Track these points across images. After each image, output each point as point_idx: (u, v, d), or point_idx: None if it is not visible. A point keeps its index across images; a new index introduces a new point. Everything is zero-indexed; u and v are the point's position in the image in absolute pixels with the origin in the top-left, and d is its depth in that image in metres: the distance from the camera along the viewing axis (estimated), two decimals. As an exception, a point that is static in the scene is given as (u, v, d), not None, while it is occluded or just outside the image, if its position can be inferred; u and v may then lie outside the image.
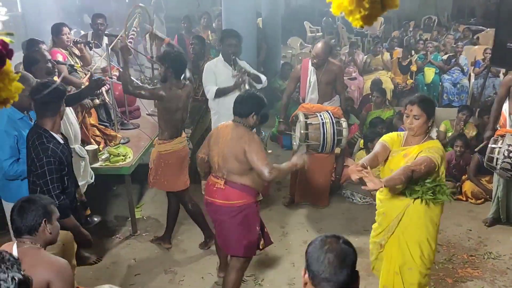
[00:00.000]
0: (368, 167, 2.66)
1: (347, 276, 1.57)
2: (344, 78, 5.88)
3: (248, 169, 3.13)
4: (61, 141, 3.04)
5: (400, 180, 2.74)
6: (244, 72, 4.55)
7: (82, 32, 6.24)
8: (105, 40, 5.30)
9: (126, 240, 4.44)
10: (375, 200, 4.96)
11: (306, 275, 1.62)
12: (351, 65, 8.18)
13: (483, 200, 5.10)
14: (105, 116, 4.97)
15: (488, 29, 10.32)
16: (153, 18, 10.24)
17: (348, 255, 1.60)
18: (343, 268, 1.57)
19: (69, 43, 4.66)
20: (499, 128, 4.40)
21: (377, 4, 1.16)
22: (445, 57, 8.48)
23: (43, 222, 2.34)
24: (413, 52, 8.69)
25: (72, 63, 4.59)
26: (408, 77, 8.41)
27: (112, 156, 4.36)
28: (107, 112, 4.99)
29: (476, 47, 9.15)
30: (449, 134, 5.84)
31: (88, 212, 3.64)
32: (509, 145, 4.06)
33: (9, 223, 2.67)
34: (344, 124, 4.62)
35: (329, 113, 4.63)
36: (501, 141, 4.16)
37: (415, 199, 2.95)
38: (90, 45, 4.96)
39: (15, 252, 2.19)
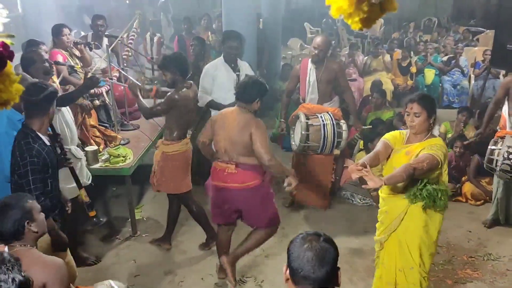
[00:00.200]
0: (368, 166, 2.67)
1: (326, 273, 1.58)
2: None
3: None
4: (48, 143, 3.01)
5: (402, 177, 2.75)
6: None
7: (82, 33, 6.25)
8: (105, 41, 5.30)
9: (126, 241, 4.44)
10: (375, 201, 5.03)
11: (288, 272, 1.65)
12: (351, 66, 8.18)
13: (483, 201, 5.10)
14: (105, 117, 4.97)
15: (488, 30, 10.31)
16: (161, 18, 10.31)
17: (327, 253, 1.61)
18: (322, 266, 1.58)
19: (69, 44, 4.66)
20: (499, 130, 4.41)
21: (376, 7, 1.16)
22: (445, 58, 8.49)
23: (26, 224, 2.27)
24: (412, 53, 8.69)
25: (72, 64, 4.59)
26: (408, 78, 8.41)
27: (112, 157, 4.37)
28: (107, 113, 4.99)
29: (476, 48, 9.16)
30: (449, 135, 5.84)
31: (94, 213, 3.65)
32: (508, 147, 4.06)
33: None
34: (344, 126, 4.62)
35: (329, 115, 4.62)
36: (500, 142, 4.16)
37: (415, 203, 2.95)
38: (90, 46, 4.96)
39: None
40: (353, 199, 5.20)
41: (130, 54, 5.67)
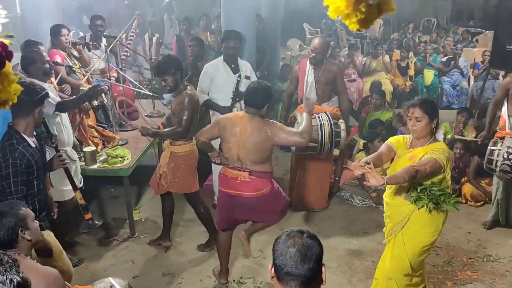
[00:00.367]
0: (371, 164, 2.66)
1: (309, 270, 1.58)
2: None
3: (269, 156, 3.38)
4: (33, 145, 2.95)
5: (403, 178, 2.74)
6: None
7: (81, 34, 6.24)
8: (104, 41, 5.30)
9: (124, 242, 4.43)
10: (374, 203, 5.02)
11: (273, 270, 1.65)
12: (351, 67, 8.17)
13: (482, 202, 5.09)
14: (103, 117, 4.96)
15: (487, 31, 10.32)
16: (164, 18, 10.30)
17: (311, 249, 1.61)
18: (304, 262, 1.58)
19: (67, 45, 4.66)
20: (498, 130, 4.40)
21: (373, 8, 1.15)
22: (444, 59, 8.49)
23: (19, 232, 2.23)
24: (410, 54, 8.68)
25: (71, 64, 4.58)
26: (408, 79, 8.41)
27: (110, 157, 4.35)
28: (105, 113, 4.97)
29: (475, 49, 9.16)
30: (449, 136, 5.83)
31: (90, 215, 3.62)
32: (508, 147, 4.05)
33: None
34: (342, 126, 4.61)
35: (327, 115, 4.61)
36: (500, 143, 4.15)
37: (419, 207, 2.93)
38: (89, 46, 4.95)
39: None
40: (352, 200, 5.19)
41: (128, 54, 5.66)
